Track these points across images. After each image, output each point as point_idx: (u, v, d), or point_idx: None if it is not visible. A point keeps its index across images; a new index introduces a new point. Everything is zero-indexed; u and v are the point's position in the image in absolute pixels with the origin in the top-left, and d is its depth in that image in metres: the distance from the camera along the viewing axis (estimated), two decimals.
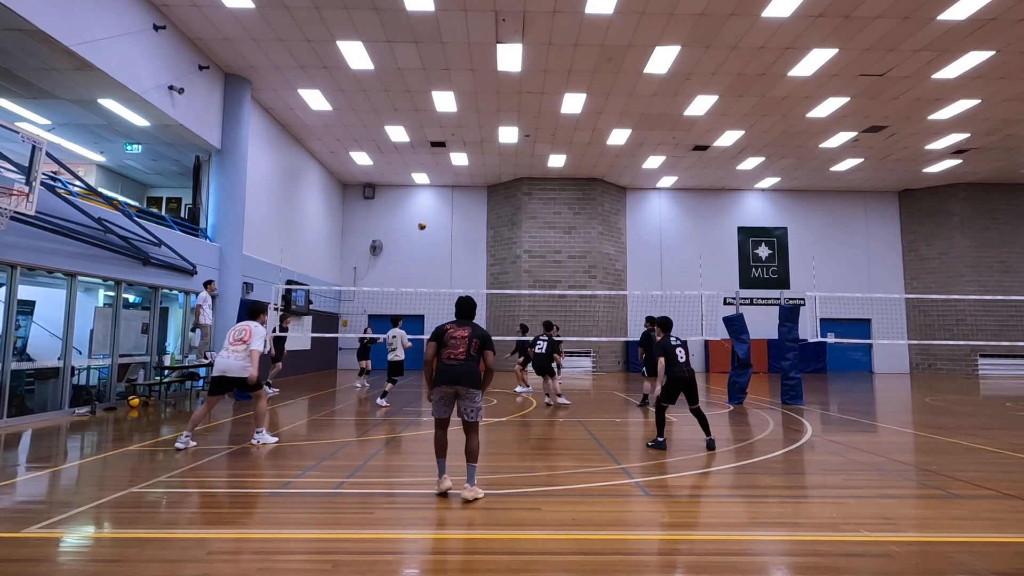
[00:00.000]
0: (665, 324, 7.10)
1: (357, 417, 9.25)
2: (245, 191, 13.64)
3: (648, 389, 10.47)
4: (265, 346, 10.63)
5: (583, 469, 5.60)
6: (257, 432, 6.73)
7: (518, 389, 13.41)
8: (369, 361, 14.85)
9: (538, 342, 11.34)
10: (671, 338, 6.96)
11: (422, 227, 12.05)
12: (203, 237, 12.93)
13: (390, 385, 10.58)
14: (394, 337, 10.63)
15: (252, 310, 6.89)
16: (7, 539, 3.59)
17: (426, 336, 14.33)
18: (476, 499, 4.44)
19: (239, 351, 6.48)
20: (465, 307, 5.01)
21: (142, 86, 10.33)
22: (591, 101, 14.51)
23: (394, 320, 11.06)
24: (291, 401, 11.23)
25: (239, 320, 11.26)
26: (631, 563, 3.32)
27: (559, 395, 11.13)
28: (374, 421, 8.76)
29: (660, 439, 6.74)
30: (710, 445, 6.60)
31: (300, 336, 16.62)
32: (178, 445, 6.33)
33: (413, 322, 20.99)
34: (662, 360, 6.75)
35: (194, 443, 6.51)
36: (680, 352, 6.83)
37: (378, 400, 10.43)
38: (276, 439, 6.86)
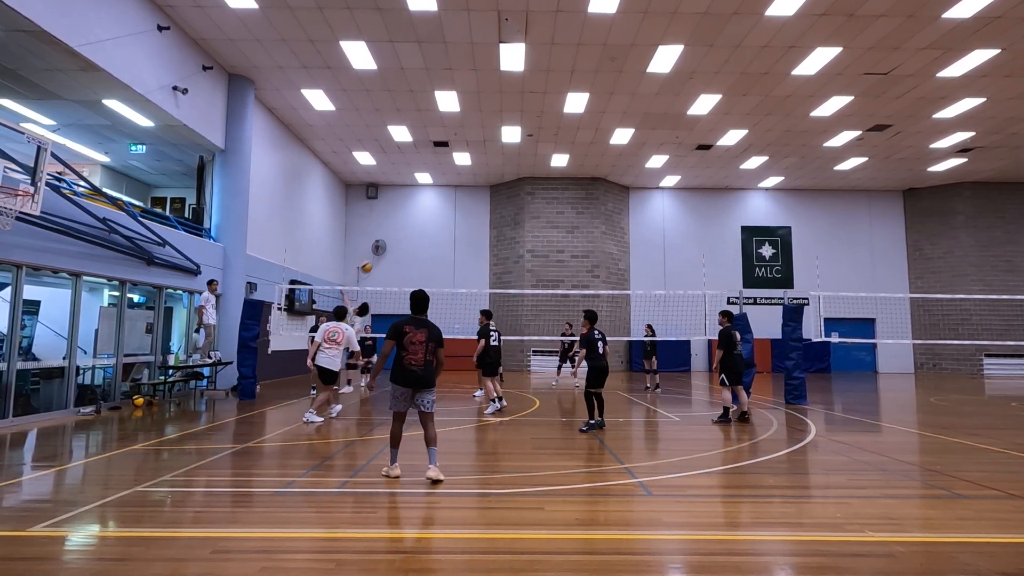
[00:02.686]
0: (592, 317, 7.85)
1: (359, 417, 9.27)
2: (248, 191, 13.67)
3: (729, 401, 8.59)
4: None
5: (586, 469, 5.60)
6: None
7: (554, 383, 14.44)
8: (371, 360, 14.64)
9: (491, 333, 10.06)
10: (595, 331, 7.75)
11: (366, 269, 11.38)
12: (207, 237, 12.97)
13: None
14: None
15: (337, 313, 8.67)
16: (13, 537, 3.61)
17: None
18: (440, 480, 4.91)
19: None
20: (419, 303, 5.24)
21: (146, 87, 10.37)
22: (594, 100, 14.49)
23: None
24: (294, 401, 11.26)
25: (246, 317, 11.39)
26: (634, 563, 3.32)
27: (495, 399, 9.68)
28: (377, 421, 8.77)
29: (593, 421, 7.58)
30: (599, 424, 7.67)
31: (301, 336, 16.65)
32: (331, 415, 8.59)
33: None
34: (583, 351, 7.68)
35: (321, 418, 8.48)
36: (600, 345, 7.66)
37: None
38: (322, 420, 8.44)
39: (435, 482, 4.87)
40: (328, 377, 8.46)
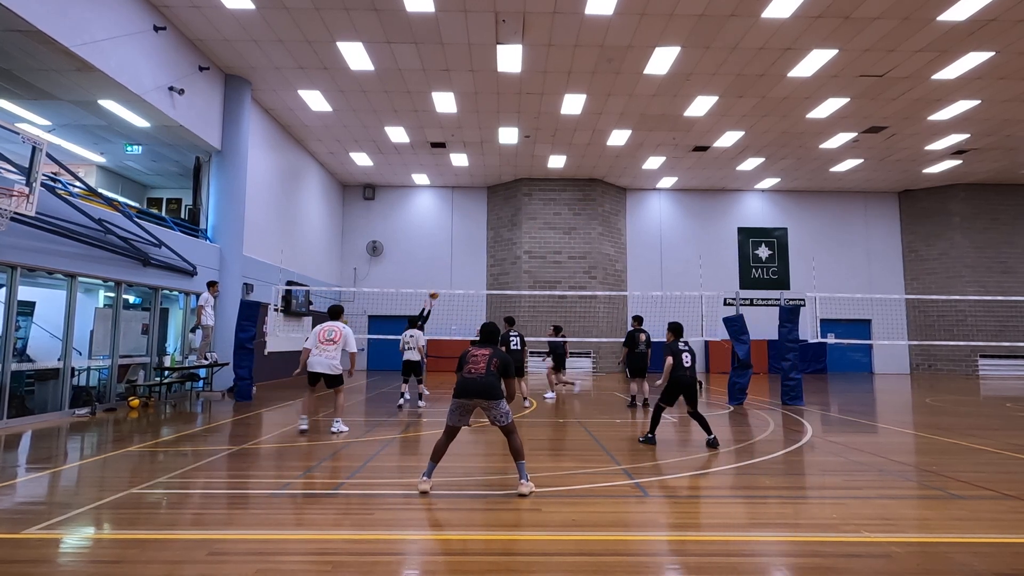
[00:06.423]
0: (677, 329, 7.31)
1: (356, 418, 9.25)
2: (245, 192, 13.64)
3: (635, 390, 10.87)
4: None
5: (583, 470, 5.60)
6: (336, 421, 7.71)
7: (547, 396, 12.05)
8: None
9: (511, 338, 10.85)
10: (680, 342, 7.10)
11: (434, 296, 12.10)
12: (203, 238, 12.93)
13: (420, 386, 11.11)
14: (411, 337, 10.41)
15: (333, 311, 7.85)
16: (7, 540, 3.59)
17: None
18: (531, 493, 4.69)
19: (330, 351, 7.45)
20: (488, 333, 5.23)
21: (142, 87, 10.34)
22: (591, 102, 14.51)
23: (412, 321, 10.78)
24: (290, 402, 11.23)
25: (242, 319, 11.34)
26: (631, 564, 3.32)
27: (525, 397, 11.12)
28: (373, 422, 8.75)
29: (651, 435, 7.10)
30: (712, 443, 6.79)
31: (298, 337, 16.61)
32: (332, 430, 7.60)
33: None
34: (670, 359, 6.98)
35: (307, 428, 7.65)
36: (686, 357, 7.01)
37: (419, 402, 10.88)
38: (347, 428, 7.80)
39: (523, 496, 4.59)
40: (332, 380, 7.67)
